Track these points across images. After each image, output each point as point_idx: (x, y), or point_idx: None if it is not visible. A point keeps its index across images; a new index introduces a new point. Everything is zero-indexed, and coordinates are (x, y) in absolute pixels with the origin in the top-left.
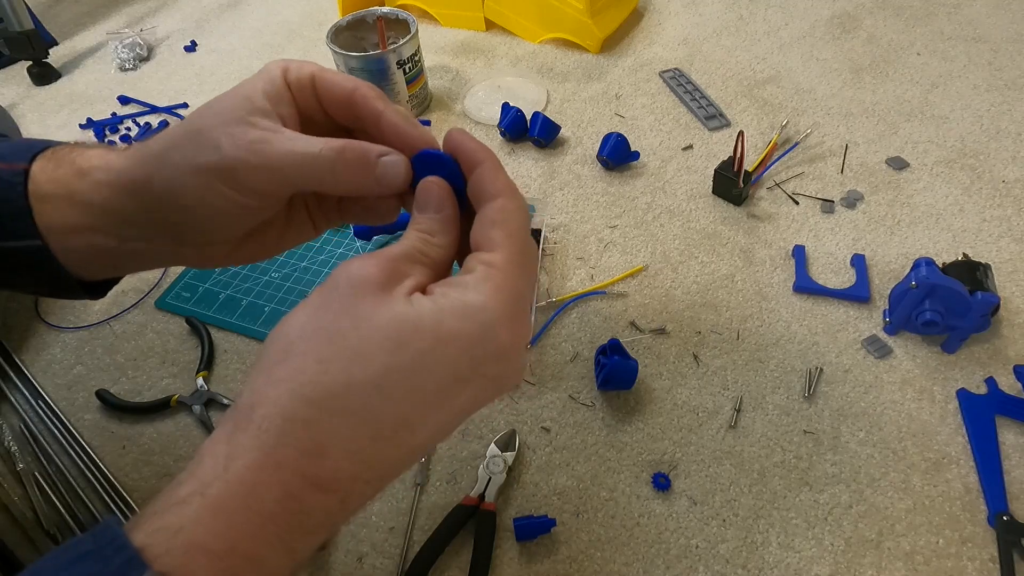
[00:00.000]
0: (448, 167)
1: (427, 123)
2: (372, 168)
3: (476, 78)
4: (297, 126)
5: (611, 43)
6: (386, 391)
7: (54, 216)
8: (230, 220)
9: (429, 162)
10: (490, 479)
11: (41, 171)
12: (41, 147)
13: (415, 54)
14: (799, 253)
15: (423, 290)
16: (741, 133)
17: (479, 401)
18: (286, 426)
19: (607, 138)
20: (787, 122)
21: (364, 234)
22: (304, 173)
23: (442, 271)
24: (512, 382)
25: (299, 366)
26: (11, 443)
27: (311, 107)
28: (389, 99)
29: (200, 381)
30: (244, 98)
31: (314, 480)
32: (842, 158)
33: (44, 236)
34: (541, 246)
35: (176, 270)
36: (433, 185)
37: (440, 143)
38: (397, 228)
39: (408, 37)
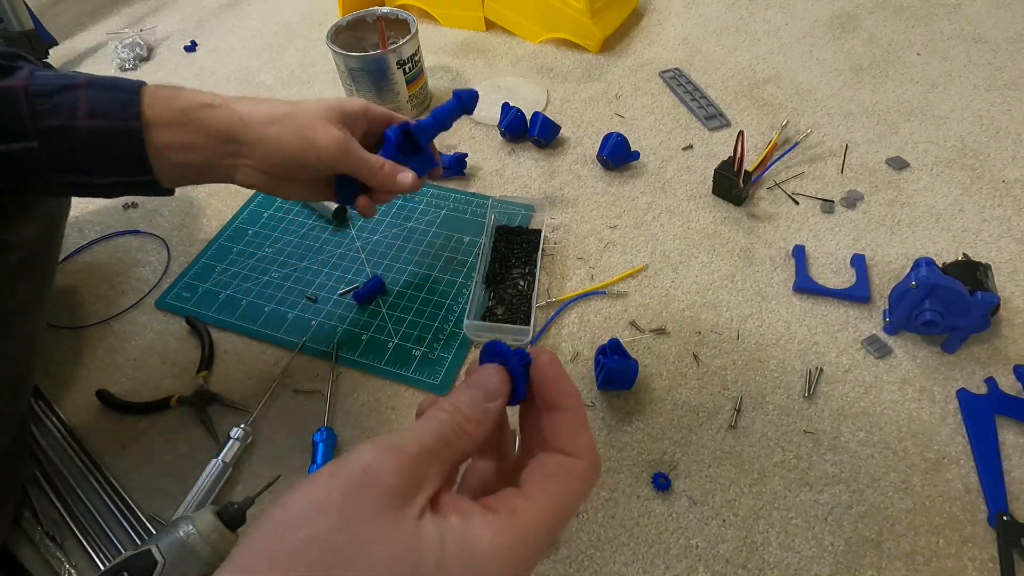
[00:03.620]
0: (515, 365)
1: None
2: (394, 178)
3: (476, 78)
4: (359, 141)
5: (611, 43)
6: None
7: (165, 138)
8: (298, 170)
9: (503, 352)
10: None
11: (155, 100)
12: (136, 88)
13: (415, 54)
14: (799, 253)
15: (436, 501)
16: (741, 133)
17: None
18: None
19: (607, 138)
20: (787, 122)
21: (363, 299)
22: (362, 173)
23: (459, 465)
24: None
25: None
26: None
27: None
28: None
29: (200, 381)
30: (333, 109)
31: None
32: (842, 158)
33: (152, 160)
34: (541, 246)
35: (175, 270)
36: (496, 374)
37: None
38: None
39: (408, 37)
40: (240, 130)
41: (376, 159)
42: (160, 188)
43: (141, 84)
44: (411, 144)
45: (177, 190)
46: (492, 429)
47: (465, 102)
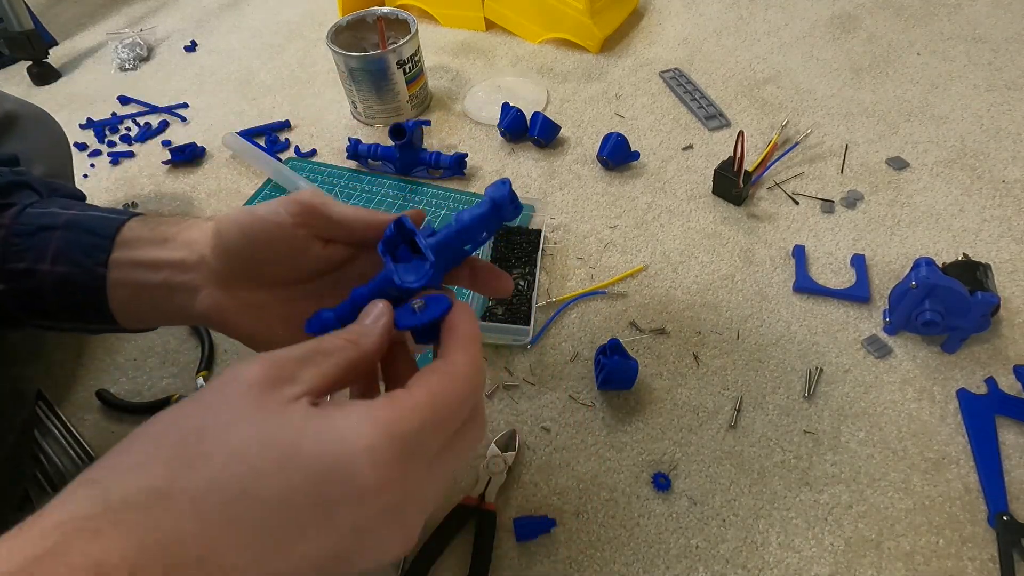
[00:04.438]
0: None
1: (427, 123)
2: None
3: (476, 78)
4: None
5: (611, 43)
6: (203, 510)
7: (131, 255)
8: (262, 248)
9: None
10: (490, 479)
11: (143, 223)
12: (114, 230)
13: (415, 54)
14: (799, 253)
15: (315, 400)
16: (741, 133)
17: (334, 558)
18: (59, 530)
19: (607, 138)
20: (787, 122)
21: None
22: (341, 219)
23: (352, 377)
24: (385, 549)
25: (126, 463)
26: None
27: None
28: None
29: (200, 381)
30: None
31: None
32: (842, 158)
33: (112, 300)
34: (541, 246)
35: None
36: (377, 303)
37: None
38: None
39: (408, 37)
40: (203, 234)
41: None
42: (122, 329)
43: (125, 220)
44: (409, 244)
45: (177, 191)
46: (383, 342)
47: (499, 203)
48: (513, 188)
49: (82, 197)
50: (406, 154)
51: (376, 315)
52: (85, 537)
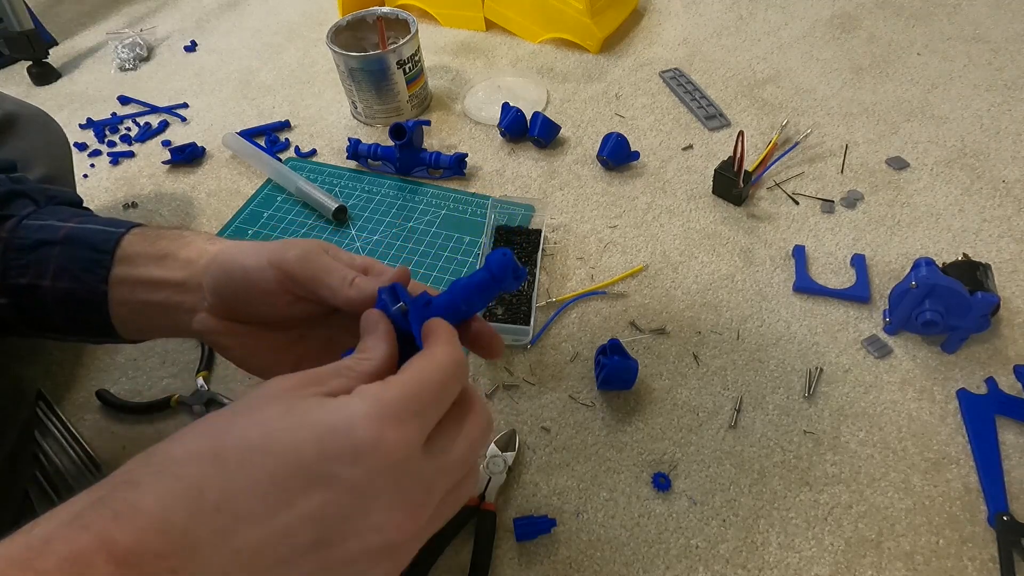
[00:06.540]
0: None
1: (427, 123)
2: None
3: (476, 78)
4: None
5: (611, 43)
6: (220, 460)
7: (133, 272)
8: (252, 287)
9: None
10: (490, 479)
11: (143, 237)
12: (113, 245)
13: (415, 54)
14: (799, 253)
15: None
16: (741, 133)
17: (338, 517)
18: (109, 485)
19: (607, 138)
20: (787, 122)
21: None
22: (325, 281)
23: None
24: (384, 523)
25: (172, 439)
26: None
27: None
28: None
29: (200, 381)
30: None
31: (111, 546)
32: (842, 158)
33: (114, 316)
34: (541, 246)
35: None
36: (371, 312)
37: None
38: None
39: (408, 37)
40: (200, 255)
41: (345, 269)
42: (123, 340)
43: (124, 233)
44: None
45: (177, 191)
46: (390, 349)
47: (495, 272)
48: (516, 259)
49: (79, 202)
50: (406, 154)
51: (373, 324)
52: (126, 488)
